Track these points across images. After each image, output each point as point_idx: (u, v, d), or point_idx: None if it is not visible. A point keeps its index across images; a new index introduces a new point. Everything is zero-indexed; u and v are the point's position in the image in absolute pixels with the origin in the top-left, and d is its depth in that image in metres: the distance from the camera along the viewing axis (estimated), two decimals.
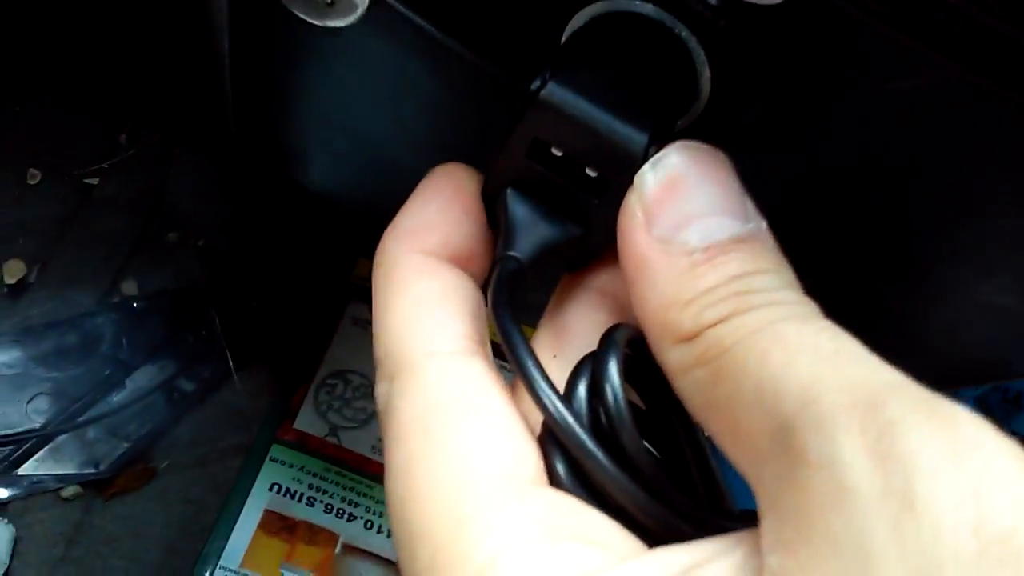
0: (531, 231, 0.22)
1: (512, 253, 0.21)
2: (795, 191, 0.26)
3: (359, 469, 0.55)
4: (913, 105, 0.21)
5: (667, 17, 0.22)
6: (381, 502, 0.55)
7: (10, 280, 0.56)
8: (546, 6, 0.23)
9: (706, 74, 0.23)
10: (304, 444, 0.55)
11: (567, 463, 0.18)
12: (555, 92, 0.19)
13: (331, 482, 0.55)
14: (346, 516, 0.54)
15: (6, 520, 0.50)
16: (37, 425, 0.53)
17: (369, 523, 0.54)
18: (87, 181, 0.60)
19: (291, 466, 0.54)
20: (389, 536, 0.54)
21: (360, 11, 0.22)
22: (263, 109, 0.44)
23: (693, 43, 0.22)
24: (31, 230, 0.58)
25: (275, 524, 0.53)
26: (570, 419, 0.18)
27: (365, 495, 0.55)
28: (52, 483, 0.52)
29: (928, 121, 0.22)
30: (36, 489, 0.52)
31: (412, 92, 0.32)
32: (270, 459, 0.55)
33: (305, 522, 0.53)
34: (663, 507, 0.18)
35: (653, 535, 0.18)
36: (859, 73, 0.21)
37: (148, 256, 0.60)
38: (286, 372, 0.57)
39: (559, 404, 0.18)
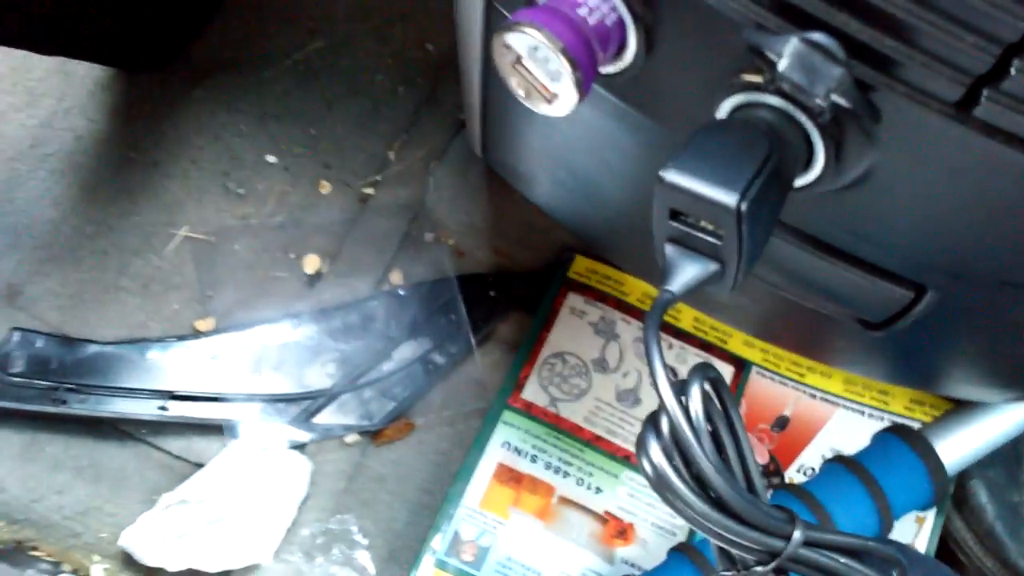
0: (683, 271, 0.31)
1: (668, 288, 0.30)
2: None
3: (573, 435, 0.66)
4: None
5: (790, 107, 0.30)
6: (590, 463, 0.65)
7: (308, 271, 0.71)
8: (702, 92, 0.32)
9: (821, 148, 0.31)
10: (530, 411, 0.66)
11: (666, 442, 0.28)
12: (669, 174, 0.28)
13: (550, 444, 0.66)
14: (562, 473, 0.65)
15: (307, 457, 0.65)
16: (328, 385, 0.68)
17: (580, 480, 0.65)
18: (365, 191, 0.75)
19: (519, 429, 0.66)
20: (597, 492, 0.64)
21: (573, 107, 0.32)
22: (503, 143, 0.55)
23: (810, 126, 0.30)
24: (323, 231, 0.73)
25: (505, 475, 0.64)
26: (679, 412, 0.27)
27: (577, 456, 0.65)
28: (338, 431, 0.67)
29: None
30: (326, 435, 0.67)
31: (612, 145, 0.41)
32: (503, 422, 0.66)
33: (529, 475, 0.65)
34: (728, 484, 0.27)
35: (715, 500, 0.27)
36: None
37: (410, 252, 0.73)
38: (517, 351, 0.69)
39: (676, 405, 0.28)
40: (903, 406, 0.68)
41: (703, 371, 0.28)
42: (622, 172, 0.43)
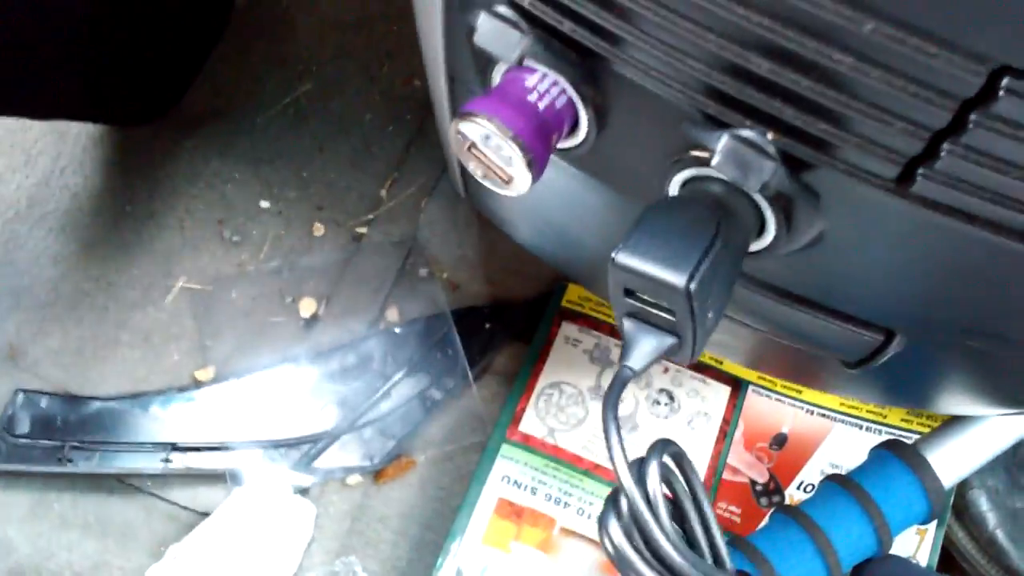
0: (641, 345, 0.31)
1: (627, 364, 0.31)
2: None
3: (572, 464, 0.67)
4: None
5: (738, 182, 0.31)
6: (591, 492, 0.66)
7: (305, 314, 0.73)
8: (652, 165, 0.33)
9: (770, 218, 0.31)
10: (528, 443, 0.67)
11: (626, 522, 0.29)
12: (620, 256, 0.29)
13: (550, 475, 0.66)
14: (562, 504, 0.65)
15: (310, 500, 0.66)
16: (329, 428, 0.69)
17: (580, 510, 0.65)
18: (358, 230, 0.76)
19: (518, 462, 0.67)
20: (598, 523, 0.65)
21: (528, 187, 0.33)
22: (482, 193, 0.56)
23: (758, 198, 0.31)
24: (318, 273, 0.74)
25: (506, 509, 0.65)
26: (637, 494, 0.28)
27: (577, 486, 0.66)
28: (340, 473, 0.68)
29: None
30: (328, 477, 0.68)
31: (580, 202, 0.42)
32: (501, 456, 0.67)
33: (530, 508, 0.65)
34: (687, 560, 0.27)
35: None
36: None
37: (405, 288, 0.74)
38: (513, 384, 0.70)
39: (634, 485, 0.28)
40: (900, 418, 0.68)
41: (662, 447, 0.29)
42: (592, 225, 0.44)
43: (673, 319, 0.30)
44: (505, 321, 0.73)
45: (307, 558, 0.65)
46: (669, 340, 0.31)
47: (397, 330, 0.73)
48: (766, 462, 0.68)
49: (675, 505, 0.29)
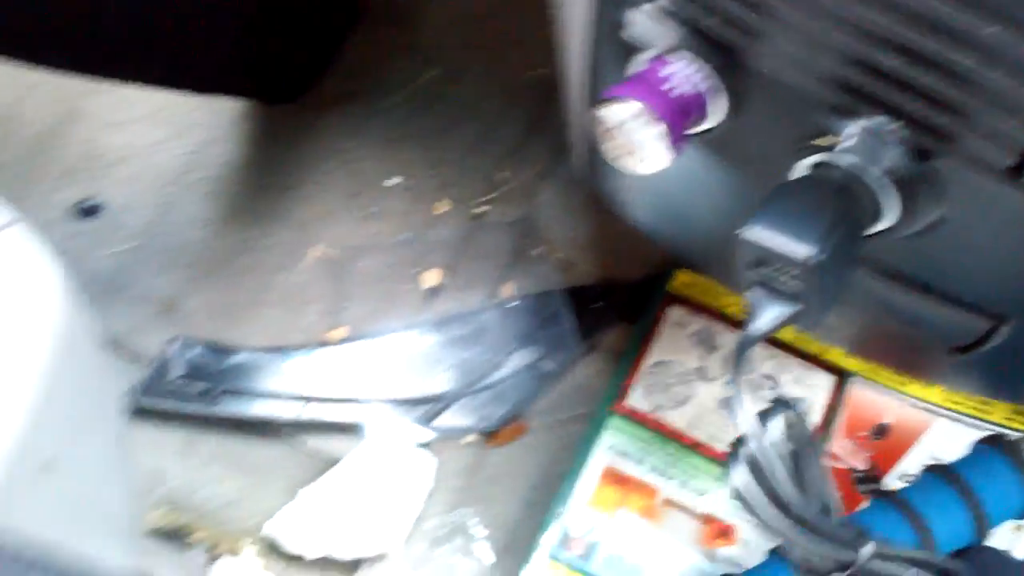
0: (767, 312, 0.35)
1: (753, 328, 0.34)
2: None
3: (675, 440, 0.70)
4: None
5: (862, 168, 0.34)
6: (694, 467, 0.69)
7: (428, 285, 0.78)
8: (781, 150, 0.36)
9: (891, 202, 0.34)
10: (633, 417, 0.71)
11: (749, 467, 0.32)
12: (750, 232, 0.32)
13: (654, 448, 0.70)
14: (666, 476, 0.69)
15: (431, 453, 0.71)
16: (447, 390, 0.74)
17: (683, 483, 0.68)
18: (478, 209, 0.81)
19: (624, 433, 0.70)
20: (700, 494, 0.68)
21: (661, 168, 0.36)
22: (606, 176, 0.59)
23: (879, 184, 0.34)
24: (441, 247, 0.79)
25: (612, 476, 0.69)
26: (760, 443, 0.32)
27: (680, 460, 0.69)
28: (457, 432, 0.73)
29: None
30: (446, 435, 0.73)
31: (709, 184, 0.45)
32: (608, 427, 0.71)
33: (635, 478, 0.69)
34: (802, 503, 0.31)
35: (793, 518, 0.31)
36: None
37: (521, 266, 0.79)
38: (620, 360, 0.73)
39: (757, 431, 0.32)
40: (1004, 416, 0.69)
41: (783, 404, 0.32)
42: (714, 206, 0.47)
43: (798, 289, 0.33)
44: (614, 301, 0.77)
45: (427, 507, 0.70)
46: (793, 308, 0.34)
47: (511, 304, 0.77)
48: (866, 451, 0.70)
49: (793, 457, 0.33)
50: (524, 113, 0.83)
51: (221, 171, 0.81)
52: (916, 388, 0.71)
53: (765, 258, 0.33)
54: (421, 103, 0.84)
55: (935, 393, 0.70)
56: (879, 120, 0.30)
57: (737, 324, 0.73)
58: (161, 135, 0.83)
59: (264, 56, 0.77)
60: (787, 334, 0.73)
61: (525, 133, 0.83)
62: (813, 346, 0.73)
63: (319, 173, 0.81)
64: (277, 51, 0.78)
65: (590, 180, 0.61)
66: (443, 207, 0.81)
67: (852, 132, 0.31)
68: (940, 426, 0.70)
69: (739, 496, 0.32)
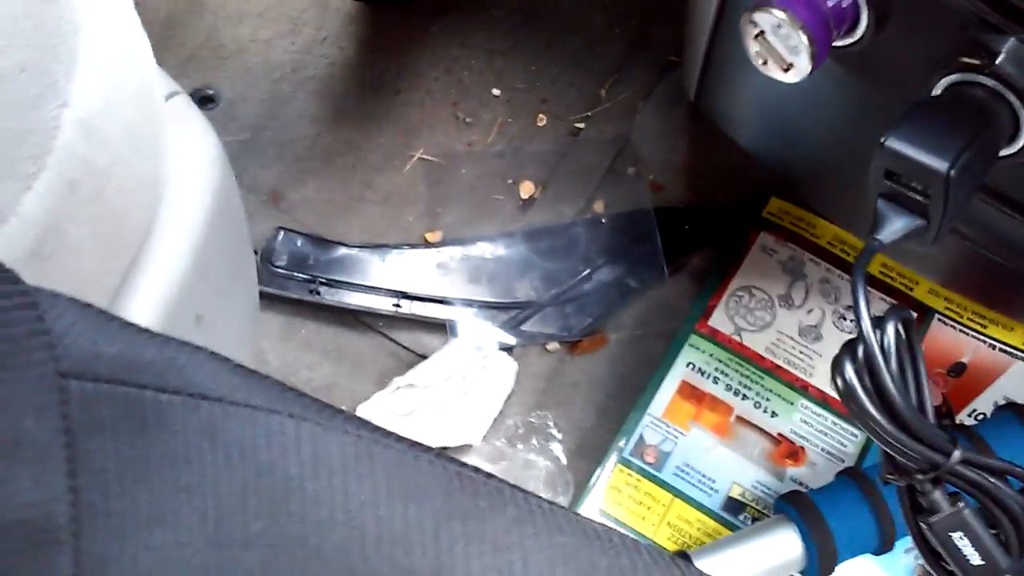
0: (891, 223, 0.36)
1: (877, 236, 0.36)
2: None
3: (754, 362, 0.72)
4: None
5: (1001, 88, 0.35)
6: (769, 389, 0.71)
7: (523, 196, 0.80)
8: (921, 69, 0.37)
9: None
10: (715, 337, 0.73)
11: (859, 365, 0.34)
12: (890, 141, 0.34)
13: (732, 368, 0.72)
14: (741, 395, 0.71)
15: (514, 357, 0.75)
16: (534, 298, 0.76)
17: (757, 403, 0.71)
18: (576, 125, 0.82)
19: (704, 352, 0.73)
20: (772, 415, 0.70)
21: (806, 76, 0.38)
22: (721, 90, 0.60)
23: (1019, 105, 0.35)
24: (537, 160, 0.81)
25: (688, 391, 0.72)
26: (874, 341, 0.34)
27: (757, 382, 0.71)
28: (541, 339, 0.76)
29: None
30: (530, 341, 0.76)
31: (833, 104, 0.46)
32: (689, 344, 0.73)
33: (710, 394, 0.71)
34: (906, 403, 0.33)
35: (892, 414, 0.33)
36: None
37: (613, 184, 0.80)
38: (707, 282, 0.75)
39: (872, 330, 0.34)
40: None
41: (899, 311, 0.34)
42: (839, 128, 0.48)
43: (927, 202, 0.35)
44: (704, 224, 0.78)
45: (507, 407, 0.73)
46: (918, 221, 0.36)
47: (603, 220, 0.79)
48: (941, 387, 0.71)
49: (901, 359, 0.35)
50: (627, 32, 0.84)
51: (330, 70, 0.84)
52: (997, 330, 0.72)
53: (900, 168, 0.34)
54: (526, 15, 0.85)
55: (1016, 336, 0.71)
56: None
57: (827, 255, 0.74)
58: (275, 32, 0.86)
59: None
60: (874, 266, 0.74)
61: (628, 52, 0.84)
62: (899, 281, 0.74)
63: (423, 79, 0.83)
64: None
65: (700, 97, 0.63)
66: (542, 120, 0.82)
67: (1010, 48, 0.32)
68: (1017, 369, 0.71)
69: (847, 389, 0.34)
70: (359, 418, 0.29)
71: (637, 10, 0.85)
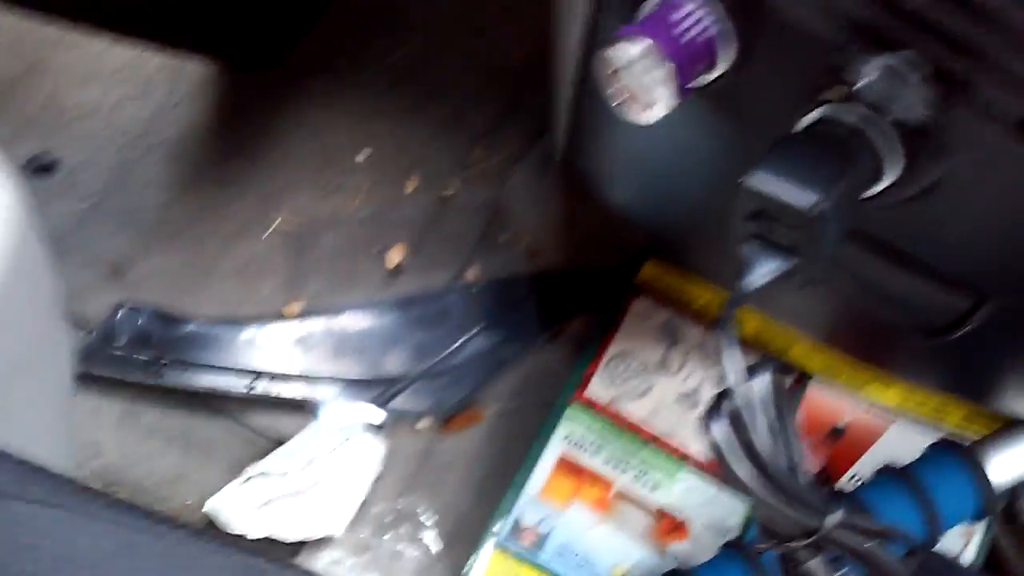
0: (758, 267, 0.34)
1: (746, 281, 0.34)
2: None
3: (633, 433, 0.69)
4: None
5: (865, 122, 0.33)
6: (648, 461, 0.68)
7: (391, 264, 0.76)
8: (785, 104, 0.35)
9: (894, 158, 0.34)
10: (593, 407, 0.69)
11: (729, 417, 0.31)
12: (752, 181, 0.32)
13: (611, 440, 0.69)
14: (620, 468, 0.68)
15: (381, 437, 0.69)
16: (404, 372, 0.72)
17: (637, 476, 0.67)
18: (446, 191, 0.79)
19: (582, 424, 0.69)
20: (653, 488, 0.67)
21: (660, 117, 0.35)
22: (588, 147, 0.58)
23: (884, 139, 0.33)
24: (406, 227, 0.77)
25: (567, 466, 0.68)
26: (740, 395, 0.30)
27: (636, 454, 0.68)
28: (411, 416, 0.71)
29: None
30: (400, 419, 0.71)
31: (699, 147, 0.44)
32: (567, 417, 0.69)
33: (589, 469, 0.68)
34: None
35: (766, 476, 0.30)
36: None
37: (487, 250, 0.77)
38: (583, 349, 0.72)
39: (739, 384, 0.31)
40: (959, 420, 0.69)
41: (766, 363, 0.31)
42: (707, 172, 0.46)
43: (795, 242, 0.32)
44: (580, 290, 0.76)
45: (373, 493, 0.68)
46: (787, 262, 0.33)
47: (476, 288, 0.76)
48: (820, 452, 0.69)
49: (773, 414, 0.32)
50: (499, 96, 0.82)
51: (183, 135, 0.79)
52: (874, 390, 0.71)
53: (765, 208, 0.32)
54: (395, 79, 0.82)
55: (893, 395, 0.70)
56: (895, 59, 0.30)
57: (703, 318, 0.73)
58: (123, 94, 0.80)
59: (237, 17, 0.74)
60: (750, 328, 0.72)
61: (499, 116, 0.82)
62: (774, 345, 0.72)
63: (285, 143, 0.79)
64: (252, 14, 0.76)
65: (569, 159, 0.60)
66: (411, 185, 0.79)
67: (873, 71, 0.30)
68: (895, 430, 0.70)
69: (716, 449, 0.31)
70: (127, 504, 0.23)
71: (508, 76, 0.83)
